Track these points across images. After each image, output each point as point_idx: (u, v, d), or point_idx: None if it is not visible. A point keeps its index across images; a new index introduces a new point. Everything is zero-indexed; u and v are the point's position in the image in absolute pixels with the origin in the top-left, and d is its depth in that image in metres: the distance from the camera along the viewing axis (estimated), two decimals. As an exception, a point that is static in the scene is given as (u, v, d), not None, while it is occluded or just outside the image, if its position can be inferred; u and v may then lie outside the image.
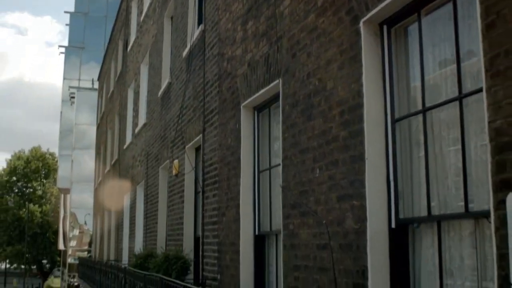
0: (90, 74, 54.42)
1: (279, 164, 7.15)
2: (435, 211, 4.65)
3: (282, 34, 7.20)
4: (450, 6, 4.58)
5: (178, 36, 13.88)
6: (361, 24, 5.36)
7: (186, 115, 12.22)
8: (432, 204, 4.67)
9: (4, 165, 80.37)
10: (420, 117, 4.88)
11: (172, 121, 13.59)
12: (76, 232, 52.89)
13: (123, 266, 14.66)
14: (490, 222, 3.74)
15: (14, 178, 78.48)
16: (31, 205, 71.26)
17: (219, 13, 10.12)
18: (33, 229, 69.57)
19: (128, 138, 21.51)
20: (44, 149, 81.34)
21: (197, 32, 11.55)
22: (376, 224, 5.05)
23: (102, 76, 35.92)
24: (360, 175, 5.21)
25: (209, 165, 10.11)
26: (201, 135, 10.75)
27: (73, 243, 53.10)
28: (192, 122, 11.59)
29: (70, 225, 53.26)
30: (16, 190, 78.52)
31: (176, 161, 12.71)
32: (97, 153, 36.12)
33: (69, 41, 60.85)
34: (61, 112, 60.15)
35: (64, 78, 59.90)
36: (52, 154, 79.32)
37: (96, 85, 42.78)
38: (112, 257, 23.69)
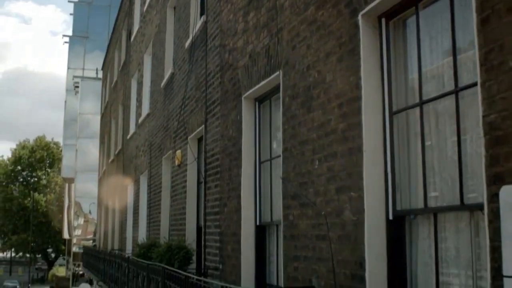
0: (94, 63, 54.42)
1: (280, 156, 7.21)
2: (432, 203, 4.70)
3: (282, 26, 7.24)
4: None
5: (180, 26, 13.91)
6: (359, 17, 5.39)
7: (188, 106, 12.27)
8: (429, 196, 4.72)
9: (9, 154, 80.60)
10: (417, 110, 4.93)
11: (175, 111, 13.64)
12: (81, 221, 53.14)
13: (126, 256, 14.78)
14: (484, 215, 3.79)
15: (19, 168, 78.79)
16: (36, 194, 71.53)
17: (220, 4, 10.15)
18: (38, 218, 69.85)
19: (132, 128, 21.57)
20: (48, 138, 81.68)
21: (199, 23, 11.59)
22: (374, 216, 5.10)
23: (106, 66, 35.96)
24: (358, 167, 5.27)
25: (211, 156, 10.17)
26: (203, 125, 10.80)
27: (78, 232, 53.38)
28: (195, 113, 11.64)
29: (75, 214, 53.50)
30: (21, 180, 78.84)
31: (178, 152, 12.77)
32: (101, 142, 36.23)
33: (73, 31, 60.92)
34: (65, 102, 60.30)
35: (68, 68, 60.03)
36: (56, 144, 79.56)
37: (100, 75, 42.79)
38: (116, 246, 23.82)
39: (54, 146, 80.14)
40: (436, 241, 4.65)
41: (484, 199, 3.75)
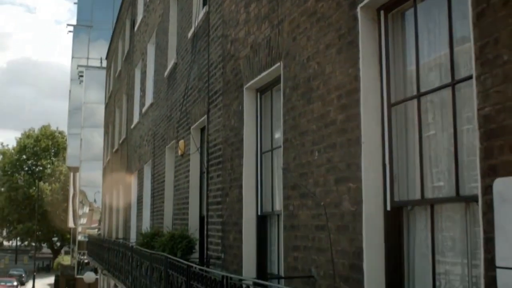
0: (98, 53, 54.47)
1: (280, 146, 7.26)
2: (428, 195, 4.76)
3: (283, 17, 7.27)
4: (445, -8, 4.64)
5: (183, 16, 13.94)
6: (358, 9, 5.42)
7: (191, 96, 12.32)
8: (425, 187, 4.77)
9: (14, 143, 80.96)
10: (415, 102, 4.96)
11: (178, 101, 13.69)
12: (86, 209, 53.34)
13: (130, 245, 14.89)
14: (478, 206, 3.84)
15: (24, 157, 79.18)
16: (41, 184, 71.81)
17: (223, -5, 10.17)
18: (43, 207, 70.16)
19: (136, 118, 21.64)
20: (53, 127, 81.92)
21: (201, 13, 11.61)
22: (372, 207, 5.16)
23: (110, 55, 36.00)
24: (357, 158, 5.32)
25: (213, 146, 10.23)
26: (205, 116, 10.85)
27: (83, 220, 53.60)
28: (197, 103, 11.69)
29: (80, 203, 53.71)
30: (26, 169, 79.24)
31: (181, 141, 12.83)
32: (106, 132, 36.33)
33: (78, 20, 60.94)
34: (70, 91, 60.39)
35: (72, 57, 60.07)
36: (61, 133, 79.82)
37: (105, 64, 42.84)
38: (120, 235, 23.96)
39: (59, 135, 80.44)
40: (432, 232, 4.70)
41: (478, 191, 3.80)
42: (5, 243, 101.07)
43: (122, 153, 25.18)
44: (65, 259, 60.45)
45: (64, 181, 72.86)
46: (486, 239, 3.68)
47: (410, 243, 5.03)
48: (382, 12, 5.35)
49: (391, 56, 5.28)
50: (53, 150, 79.83)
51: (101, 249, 22.96)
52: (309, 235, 6.23)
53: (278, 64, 7.33)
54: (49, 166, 78.19)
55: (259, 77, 8.09)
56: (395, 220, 5.09)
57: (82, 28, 59.53)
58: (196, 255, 11.08)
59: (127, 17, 26.84)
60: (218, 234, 9.65)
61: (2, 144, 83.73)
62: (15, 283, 56.22)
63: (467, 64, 4.32)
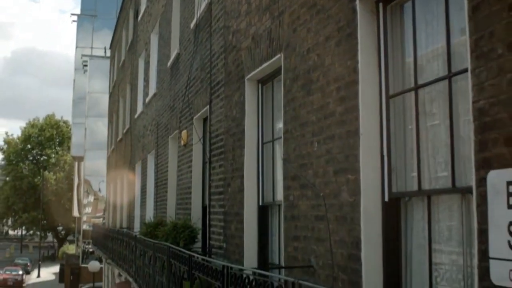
0: (103, 42, 54.43)
1: (281, 137, 7.31)
2: (425, 186, 4.81)
3: (284, 9, 7.30)
4: (443, -15, 4.67)
5: (186, 7, 13.96)
6: (357, 1, 5.46)
7: (193, 87, 12.37)
8: (423, 179, 4.82)
9: (19, 133, 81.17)
10: (413, 94, 5.01)
11: (181, 91, 13.74)
12: (91, 198, 53.50)
13: (134, 234, 14.98)
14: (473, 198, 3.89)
15: (29, 146, 79.36)
16: (46, 173, 72.04)
17: (224, -14, 10.19)
18: (48, 197, 70.40)
19: (139, 107, 21.70)
20: (58, 117, 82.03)
21: (203, 4, 11.64)
22: (370, 198, 5.22)
23: (114, 45, 36.01)
24: (355, 150, 5.37)
25: (215, 136, 10.28)
26: (207, 106, 10.90)
27: (88, 209, 53.78)
28: (200, 93, 11.74)
29: (85, 192, 53.87)
30: (31, 158, 79.45)
31: (184, 132, 12.89)
32: (110, 121, 36.40)
33: (82, 9, 60.98)
34: (74, 80, 60.44)
35: (76, 46, 60.08)
36: (66, 122, 79.92)
37: (109, 53, 42.83)
38: (124, 224, 24.08)
39: (64, 124, 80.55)
40: (429, 223, 4.76)
41: (473, 183, 3.85)
42: (11, 232, 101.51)
43: (126, 142, 25.26)
44: (70, 248, 60.71)
45: (68, 170, 73.10)
46: (480, 231, 3.73)
47: (408, 234, 5.09)
48: (380, 5, 5.39)
49: (389, 48, 5.32)
50: (57, 140, 80.00)
51: (105, 238, 23.09)
52: (309, 225, 6.29)
53: (279, 55, 7.37)
54: (53, 155, 78.36)
55: (260, 68, 8.13)
56: (393, 211, 5.15)
57: (86, 17, 59.52)
58: (198, 244, 11.16)
59: (130, 7, 26.85)
60: (220, 224, 9.72)
61: (6, 133, 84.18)
62: (20, 272, 56.59)
63: (464, 57, 4.35)
